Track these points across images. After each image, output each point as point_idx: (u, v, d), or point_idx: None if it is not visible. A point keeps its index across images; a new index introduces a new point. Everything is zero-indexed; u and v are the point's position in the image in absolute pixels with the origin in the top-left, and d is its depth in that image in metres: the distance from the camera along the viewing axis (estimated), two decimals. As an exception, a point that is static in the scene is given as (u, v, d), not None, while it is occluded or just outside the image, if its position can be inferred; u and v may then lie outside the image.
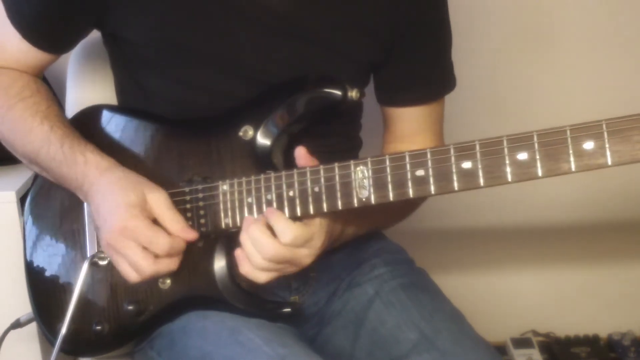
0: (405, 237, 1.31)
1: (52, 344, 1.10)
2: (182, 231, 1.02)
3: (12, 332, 1.28)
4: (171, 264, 1.02)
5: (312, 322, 1.17)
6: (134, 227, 0.99)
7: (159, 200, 1.02)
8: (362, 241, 1.22)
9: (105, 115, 1.16)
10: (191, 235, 1.02)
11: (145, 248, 1.00)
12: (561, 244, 2.00)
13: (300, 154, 0.99)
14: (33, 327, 1.29)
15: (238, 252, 1.00)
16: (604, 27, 1.81)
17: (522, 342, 1.98)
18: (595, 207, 1.95)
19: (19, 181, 1.41)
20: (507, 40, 1.82)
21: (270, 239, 0.96)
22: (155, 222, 1.02)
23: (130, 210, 1.00)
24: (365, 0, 1.11)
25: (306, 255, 0.98)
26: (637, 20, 1.81)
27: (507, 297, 2.03)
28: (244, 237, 0.98)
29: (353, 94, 1.02)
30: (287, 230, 0.96)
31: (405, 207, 1.22)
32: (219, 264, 1.05)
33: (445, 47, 1.21)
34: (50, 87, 1.48)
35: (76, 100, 1.31)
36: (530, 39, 1.82)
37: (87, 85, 1.31)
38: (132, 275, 1.01)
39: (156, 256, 1.00)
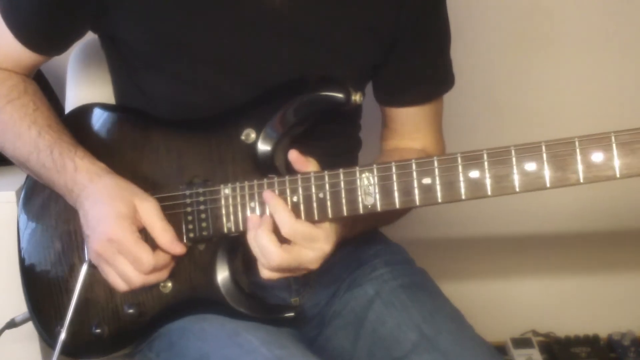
0: (405, 237, 1.30)
1: (49, 345, 1.10)
2: (170, 244, 1.01)
3: (10, 332, 1.27)
4: (160, 275, 1.03)
5: (312, 323, 1.17)
6: (120, 241, 0.99)
7: (149, 211, 1.01)
8: (362, 242, 1.21)
9: (101, 113, 1.15)
10: (178, 249, 1.02)
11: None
12: (561, 244, 2.00)
13: (294, 157, 0.98)
14: (32, 326, 1.29)
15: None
16: (604, 28, 1.81)
17: (522, 342, 1.99)
18: (595, 208, 1.95)
19: (19, 181, 1.39)
20: (507, 42, 1.81)
21: (276, 248, 0.95)
22: (144, 230, 1.02)
23: (119, 221, 0.99)
24: (371, 3, 1.11)
25: (313, 260, 0.97)
26: (636, 20, 1.80)
27: (507, 297, 2.03)
28: (251, 242, 0.98)
29: (357, 97, 1.01)
30: (286, 223, 0.95)
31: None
32: (221, 267, 1.05)
33: (445, 45, 1.20)
34: (48, 84, 1.49)
35: (76, 100, 1.30)
36: (531, 40, 1.81)
37: (87, 85, 1.31)
38: (120, 285, 1.02)
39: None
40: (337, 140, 1.18)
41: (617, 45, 1.82)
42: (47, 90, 1.51)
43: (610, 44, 1.81)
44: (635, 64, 1.82)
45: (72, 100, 1.31)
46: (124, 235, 0.99)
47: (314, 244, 0.96)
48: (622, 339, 2.02)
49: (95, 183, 1.03)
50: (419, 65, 1.18)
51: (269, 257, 0.96)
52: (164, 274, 1.03)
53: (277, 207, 0.97)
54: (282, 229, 0.96)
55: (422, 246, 1.40)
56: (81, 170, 1.04)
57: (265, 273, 0.98)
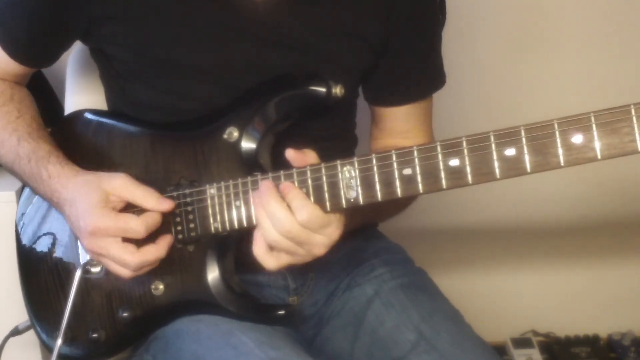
0: (405, 236, 1.30)
1: (50, 351, 1.10)
2: (156, 204, 1.01)
3: (12, 339, 1.27)
4: (158, 250, 1.01)
5: (310, 322, 1.17)
6: (102, 226, 0.99)
7: (120, 186, 1.01)
8: (361, 241, 1.21)
9: (91, 119, 1.16)
10: (166, 205, 1.02)
11: (124, 240, 0.99)
12: (561, 244, 1.99)
13: (291, 156, 0.97)
14: (33, 333, 1.29)
15: (256, 233, 0.96)
16: (599, 26, 1.81)
17: (522, 342, 1.98)
18: (595, 208, 1.95)
19: (19, 181, 1.39)
20: (501, 39, 1.81)
21: (288, 214, 0.93)
22: (130, 206, 1.02)
23: (93, 211, 0.99)
24: (359, 8, 1.11)
25: (321, 244, 0.95)
26: (632, 19, 1.80)
27: (507, 297, 2.02)
28: (259, 212, 0.95)
29: (337, 90, 1.00)
30: (304, 208, 0.93)
31: (402, 200, 1.21)
32: (211, 268, 1.04)
33: (436, 44, 1.20)
34: (48, 85, 1.49)
35: (75, 103, 1.31)
36: (526, 38, 1.81)
37: (86, 88, 1.31)
38: (123, 272, 1.01)
39: (137, 244, 0.99)
40: (333, 141, 1.18)
41: (617, 45, 1.82)
42: (47, 91, 1.52)
43: (609, 44, 1.81)
44: (635, 64, 1.82)
45: (71, 103, 1.32)
46: (103, 219, 0.99)
47: (325, 230, 0.94)
48: (622, 339, 2.01)
49: (66, 187, 1.04)
50: (410, 65, 1.18)
51: (279, 222, 0.92)
52: (161, 248, 1.01)
53: (294, 194, 0.94)
54: (299, 215, 0.92)
55: (421, 245, 1.40)
56: (53, 177, 1.05)
57: (267, 257, 0.95)
